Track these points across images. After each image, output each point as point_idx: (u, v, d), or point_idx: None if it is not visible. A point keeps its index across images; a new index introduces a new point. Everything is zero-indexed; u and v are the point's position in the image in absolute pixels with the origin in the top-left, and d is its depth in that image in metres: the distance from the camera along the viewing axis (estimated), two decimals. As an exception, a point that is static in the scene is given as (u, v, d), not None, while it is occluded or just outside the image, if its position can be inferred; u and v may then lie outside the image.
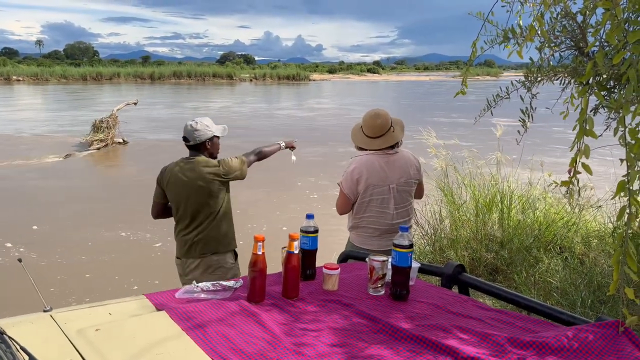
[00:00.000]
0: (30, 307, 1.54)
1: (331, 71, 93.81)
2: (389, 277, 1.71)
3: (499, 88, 2.18)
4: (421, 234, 4.74)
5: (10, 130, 17.00)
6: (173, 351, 1.25)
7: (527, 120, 1.90)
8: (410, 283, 1.76)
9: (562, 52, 1.91)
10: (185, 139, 3.02)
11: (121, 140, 15.01)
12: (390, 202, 2.89)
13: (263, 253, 1.55)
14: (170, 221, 3.18)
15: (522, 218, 4.31)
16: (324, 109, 26.59)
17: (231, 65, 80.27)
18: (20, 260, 1.62)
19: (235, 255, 3.18)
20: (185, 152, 3.06)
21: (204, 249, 3.03)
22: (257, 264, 1.53)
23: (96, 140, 14.40)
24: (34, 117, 21.00)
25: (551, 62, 1.90)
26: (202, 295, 1.62)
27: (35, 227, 6.92)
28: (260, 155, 3.30)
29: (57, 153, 13.09)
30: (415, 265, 1.77)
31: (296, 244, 1.61)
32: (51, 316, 1.43)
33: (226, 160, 3.05)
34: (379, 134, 2.89)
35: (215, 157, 3.12)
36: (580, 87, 1.70)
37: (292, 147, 3.53)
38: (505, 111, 2.26)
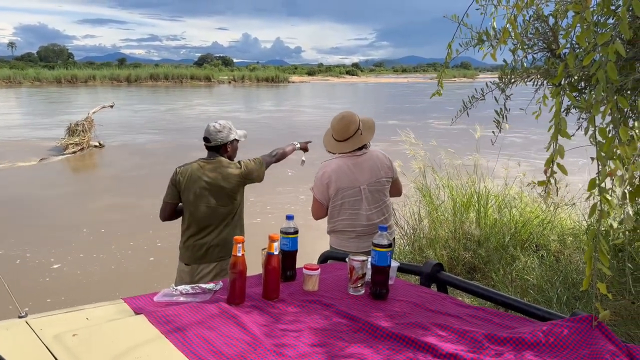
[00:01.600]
0: (4, 313, 1.51)
1: (310, 73, 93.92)
2: (368, 277, 1.72)
3: (474, 89, 2.21)
4: (400, 234, 4.78)
5: (-18, 135, 16.56)
6: (153, 355, 1.24)
7: (501, 121, 1.94)
8: (390, 282, 1.77)
9: (534, 54, 1.96)
10: (206, 139, 2.99)
11: (97, 144, 14.78)
12: (362, 203, 2.90)
13: (243, 255, 1.55)
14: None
15: (498, 217, 4.39)
16: (303, 111, 26.60)
17: (209, 67, 79.69)
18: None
19: None
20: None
21: (222, 252, 3.00)
22: (237, 266, 1.53)
23: (71, 143, 14.14)
24: (6, 121, 20.51)
25: (524, 64, 1.95)
26: (182, 299, 1.61)
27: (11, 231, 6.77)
28: (278, 157, 3.26)
29: (32, 157, 12.82)
30: (394, 264, 1.79)
31: (276, 245, 1.61)
32: (27, 322, 1.40)
33: (246, 161, 3.03)
34: (346, 137, 2.91)
35: (232, 160, 3.10)
36: (553, 89, 1.74)
37: (305, 149, 3.52)
38: (486, 113, 2.30)
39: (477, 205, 4.48)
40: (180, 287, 1.65)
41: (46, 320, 1.43)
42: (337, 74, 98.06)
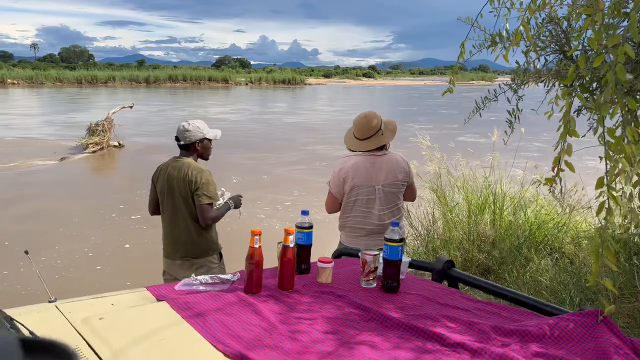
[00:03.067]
0: (36, 298, 1.60)
1: (327, 75, 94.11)
2: (380, 271, 1.77)
3: (488, 91, 2.25)
4: (414, 235, 4.82)
5: (3, 134, 16.96)
6: (174, 337, 1.32)
7: (513, 121, 1.98)
8: (401, 277, 1.83)
9: (547, 55, 1.99)
10: (177, 138, 3.12)
11: (117, 143, 15.03)
12: (375, 203, 2.95)
13: (260, 246, 1.62)
14: None
15: (513, 219, 4.39)
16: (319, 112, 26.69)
17: (227, 69, 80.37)
18: (27, 252, 1.68)
19: (220, 255, 3.24)
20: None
21: (186, 250, 3.10)
22: (254, 257, 1.60)
23: (91, 143, 14.41)
24: (29, 120, 20.97)
25: (537, 66, 1.98)
26: (201, 288, 1.69)
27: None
28: (218, 216, 3.12)
29: (53, 156, 13.11)
30: (405, 259, 1.84)
31: (291, 238, 1.68)
32: (56, 306, 1.49)
33: (208, 182, 3.02)
34: (367, 136, 2.96)
35: (206, 159, 3.21)
36: (564, 89, 1.78)
37: (238, 205, 3.29)
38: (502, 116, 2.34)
39: (492, 206, 4.50)
40: (200, 277, 1.73)
41: (74, 305, 1.51)
42: (353, 76, 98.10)
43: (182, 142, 3.10)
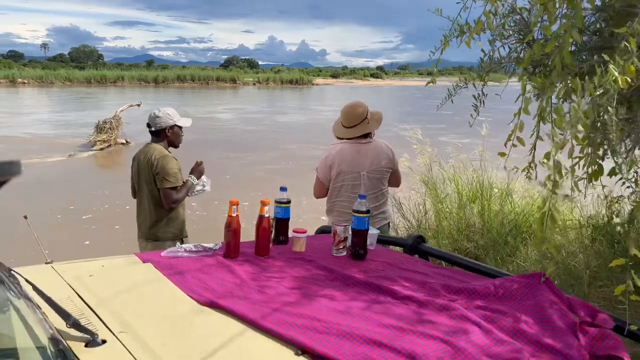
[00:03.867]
0: (33, 260, 1.77)
1: (334, 76, 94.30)
2: (350, 242, 1.93)
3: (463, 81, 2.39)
4: (406, 227, 4.95)
5: (15, 132, 17.28)
6: (154, 289, 1.48)
7: (478, 105, 2.13)
8: (370, 248, 1.98)
9: (511, 44, 2.14)
10: (148, 125, 3.31)
11: (124, 141, 15.27)
12: (360, 188, 3.09)
13: (237, 215, 1.77)
14: None
15: (500, 208, 4.52)
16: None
17: (235, 69, 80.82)
18: (25, 217, 1.84)
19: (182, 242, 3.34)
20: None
21: (150, 233, 3.26)
22: (232, 225, 1.76)
23: (99, 140, 14.67)
24: (39, 118, 21.32)
25: (501, 54, 2.13)
26: (185, 254, 1.85)
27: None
28: (182, 196, 3.25)
29: (61, 153, 13.37)
30: (373, 232, 2.00)
31: (266, 208, 1.84)
32: (52, 267, 1.66)
33: (169, 166, 3.15)
34: (353, 124, 3.11)
35: (176, 146, 3.37)
36: (521, 73, 1.93)
37: (196, 171, 3.34)
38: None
39: (480, 197, 4.62)
40: (184, 245, 1.89)
41: (68, 266, 1.68)
42: (361, 76, 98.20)
43: (152, 129, 3.28)
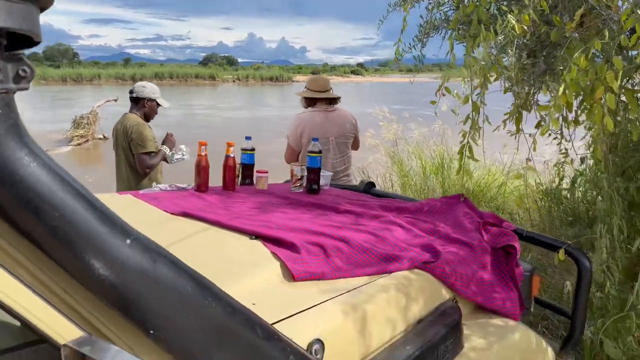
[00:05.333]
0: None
1: (315, 73, 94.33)
2: (305, 181, 2.22)
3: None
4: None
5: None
6: (132, 208, 1.75)
7: (417, 64, 2.44)
8: (325, 188, 2.27)
9: (447, 11, 2.45)
10: (130, 91, 3.57)
11: (101, 136, 15.32)
12: (329, 153, 3.39)
13: (205, 154, 2.05)
14: None
15: (460, 181, 4.87)
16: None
17: (214, 66, 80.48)
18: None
19: None
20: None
21: None
22: (201, 162, 2.03)
23: (76, 136, 14.70)
24: (15, 115, 21.08)
25: (436, 19, 2.44)
26: (161, 192, 2.11)
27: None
28: (155, 163, 3.49)
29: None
30: (327, 173, 2.29)
31: (232, 149, 2.12)
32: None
33: (143, 133, 3.39)
34: (322, 90, 3.40)
35: (148, 120, 3.60)
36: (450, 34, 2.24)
37: (168, 142, 3.61)
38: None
39: (442, 169, 4.97)
40: (159, 185, 2.16)
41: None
42: (341, 73, 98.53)
43: (134, 95, 3.54)
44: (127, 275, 0.69)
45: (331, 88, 3.44)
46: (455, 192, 4.82)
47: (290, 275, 1.25)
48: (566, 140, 2.59)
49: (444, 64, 2.47)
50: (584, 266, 1.68)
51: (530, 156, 1.95)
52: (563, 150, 2.74)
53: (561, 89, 1.61)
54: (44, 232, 0.63)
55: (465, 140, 1.95)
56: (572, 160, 3.21)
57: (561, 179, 4.06)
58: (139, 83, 3.58)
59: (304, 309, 1.09)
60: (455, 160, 5.04)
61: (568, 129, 2.20)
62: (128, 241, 0.71)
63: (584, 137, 3.08)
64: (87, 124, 15.21)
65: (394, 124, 5.34)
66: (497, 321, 1.49)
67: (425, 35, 2.47)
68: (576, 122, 2.38)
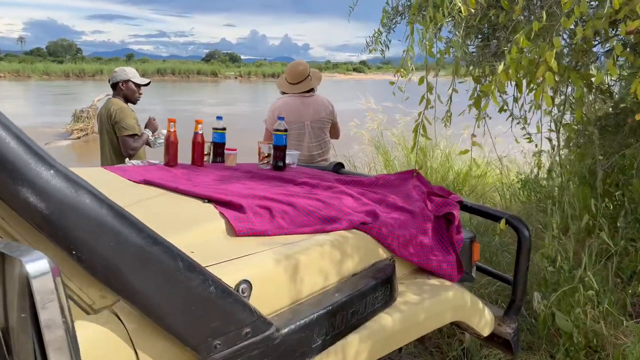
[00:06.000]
0: None
1: (317, 70, 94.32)
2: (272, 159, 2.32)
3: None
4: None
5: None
6: (100, 178, 1.86)
7: (384, 50, 2.55)
8: (292, 166, 2.38)
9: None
10: (108, 80, 3.72)
11: (101, 129, 15.45)
12: (305, 137, 3.49)
13: (175, 130, 2.16)
14: None
15: (439, 167, 4.98)
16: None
17: (216, 63, 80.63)
18: None
19: None
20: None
21: None
22: (170, 138, 2.14)
23: (76, 129, 14.84)
24: (16, 110, 21.29)
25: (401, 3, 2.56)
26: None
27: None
28: (139, 145, 3.58)
29: (38, 142, 13.49)
30: (294, 152, 2.40)
31: (200, 126, 2.23)
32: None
33: (126, 116, 3.50)
34: (297, 81, 3.50)
35: (133, 102, 3.71)
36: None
37: (150, 126, 3.69)
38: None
39: (423, 157, 5.07)
40: (133, 161, 2.27)
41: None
42: (343, 70, 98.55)
43: (110, 82, 3.69)
44: (49, 198, 0.80)
45: (309, 75, 3.53)
46: (438, 181, 4.93)
47: (234, 232, 1.36)
48: (527, 124, 2.70)
49: (449, 64, 2.56)
50: (523, 235, 1.79)
51: (475, 132, 2.05)
52: (526, 135, 2.85)
53: (501, 67, 1.71)
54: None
55: (420, 119, 2.06)
56: (540, 152, 3.32)
57: (539, 168, 4.16)
58: (115, 69, 3.69)
59: (237, 257, 1.20)
60: (437, 149, 5.14)
61: (521, 110, 2.30)
62: (52, 171, 0.81)
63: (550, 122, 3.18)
64: (87, 117, 15.33)
65: (379, 114, 5.44)
66: (434, 281, 1.60)
67: (392, 22, 2.58)
68: (537, 106, 2.49)
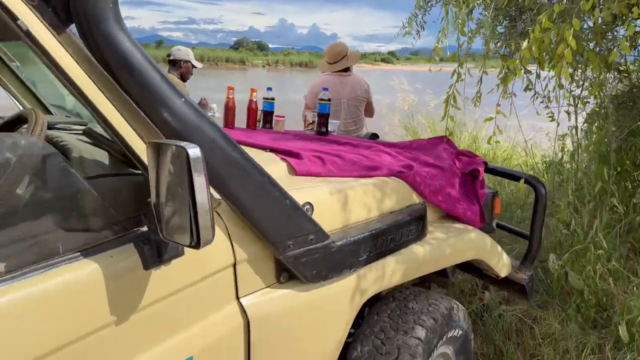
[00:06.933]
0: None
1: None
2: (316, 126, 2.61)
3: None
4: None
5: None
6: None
7: (419, 31, 2.80)
8: (333, 132, 2.66)
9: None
10: (168, 55, 4.05)
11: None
12: (341, 113, 3.76)
13: (233, 97, 2.46)
14: None
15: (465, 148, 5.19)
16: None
17: (245, 51, 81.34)
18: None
19: None
20: None
21: None
22: (229, 103, 2.44)
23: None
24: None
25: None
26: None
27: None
28: None
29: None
30: (335, 121, 2.68)
31: (255, 94, 2.52)
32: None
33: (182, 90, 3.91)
34: (335, 60, 3.77)
35: (184, 80, 4.08)
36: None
37: (205, 109, 3.93)
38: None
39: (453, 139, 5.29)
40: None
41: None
42: (371, 61, 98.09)
43: (171, 57, 4.03)
44: (179, 118, 1.09)
45: (345, 55, 3.79)
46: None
47: (294, 172, 1.66)
48: (550, 101, 2.91)
49: (476, 53, 2.76)
50: (540, 192, 2.04)
51: (499, 102, 2.29)
52: (549, 114, 3.06)
53: (525, 44, 1.95)
54: (134, 85, 1.03)
55: (451, 91, 2.31)
56: (565, 135, 3.50)
57: (562, 151, 4.35)
58: (175, 47, 4.04)
59: (301, 187, 1.50)
60: (465, 132, 5.35)
61: (545, 90, 2.52)
62: (182, 100, 1.11)
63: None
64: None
65: (410, 95, 5.66)
66: (459, 225, 1.88)
67: (427, 4, 2.82)
68: (559, 85, 2.70)
